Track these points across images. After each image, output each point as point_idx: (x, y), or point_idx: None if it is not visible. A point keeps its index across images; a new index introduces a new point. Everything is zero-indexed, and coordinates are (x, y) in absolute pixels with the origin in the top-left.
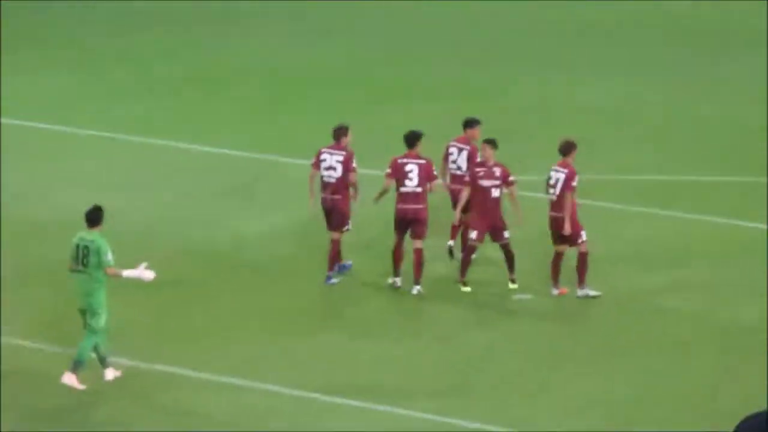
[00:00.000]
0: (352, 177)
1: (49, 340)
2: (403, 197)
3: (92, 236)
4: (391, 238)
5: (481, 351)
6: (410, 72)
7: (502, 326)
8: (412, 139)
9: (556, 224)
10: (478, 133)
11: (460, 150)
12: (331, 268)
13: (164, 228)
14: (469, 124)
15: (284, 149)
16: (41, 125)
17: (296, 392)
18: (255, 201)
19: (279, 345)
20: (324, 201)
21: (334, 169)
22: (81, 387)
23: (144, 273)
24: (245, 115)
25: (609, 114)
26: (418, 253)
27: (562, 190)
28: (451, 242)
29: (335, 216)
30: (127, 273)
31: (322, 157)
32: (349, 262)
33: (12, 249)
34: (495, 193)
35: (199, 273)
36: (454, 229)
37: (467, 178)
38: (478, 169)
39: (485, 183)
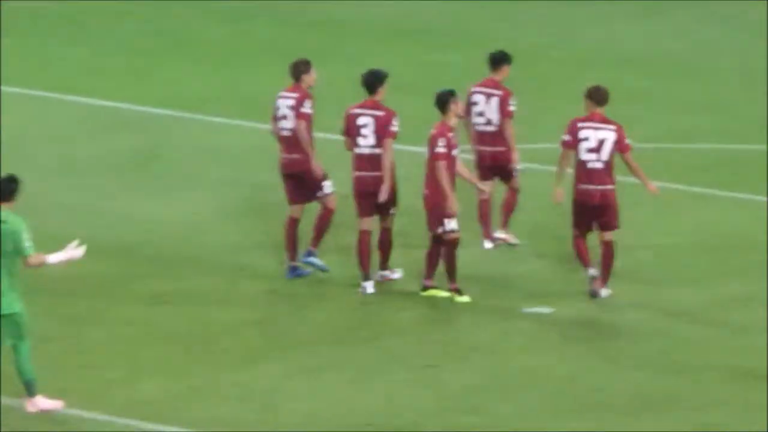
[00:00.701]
0: (301, 126)
1: None
2: (359, 161)
3: (3, 215)
4: None
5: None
6: None
7: None
8: (373, 82)
9: (598, 199)
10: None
11: (489, 96)
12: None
13: (42, 212)
14: (498, 60)
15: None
16: None
17: None
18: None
19: (200, 377)
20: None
21: (286, 118)
22: (57, 404)
23: (75, 252)
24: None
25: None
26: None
27: (612, 154)
28: (501, 235)
29: (303, 182)
30: (53, 258)
31: (276, 103)
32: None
33: None
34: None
35: (96, 276)
36: (486, 212)
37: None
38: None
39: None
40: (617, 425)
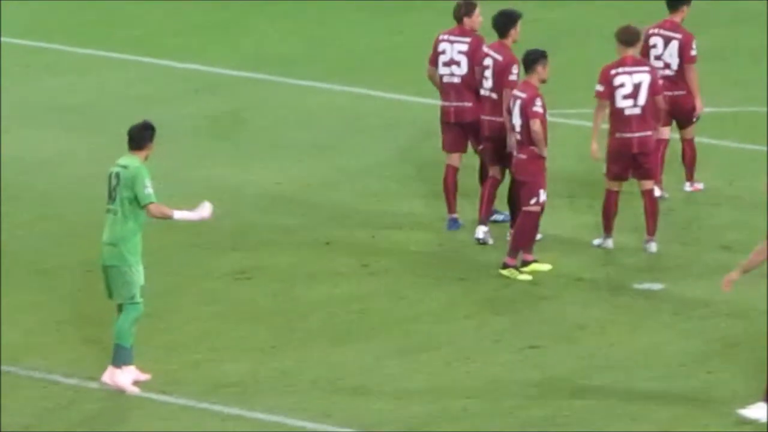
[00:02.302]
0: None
1: None
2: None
3: (128, 161)
4: None
5: None
6: None
7: None
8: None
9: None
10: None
11: (667, 40)
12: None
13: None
14: (677, 0)
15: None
16: None
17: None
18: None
19: (287, 359)
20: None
21: (458, 64)
22: (134, 389)
23: (204, 212)
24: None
25: None
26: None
27: (651, 95)
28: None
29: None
30: (181, 214)
31: (440, 47)
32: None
33: None
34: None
35: (175, 249)
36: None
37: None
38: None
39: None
40: (731, 412)
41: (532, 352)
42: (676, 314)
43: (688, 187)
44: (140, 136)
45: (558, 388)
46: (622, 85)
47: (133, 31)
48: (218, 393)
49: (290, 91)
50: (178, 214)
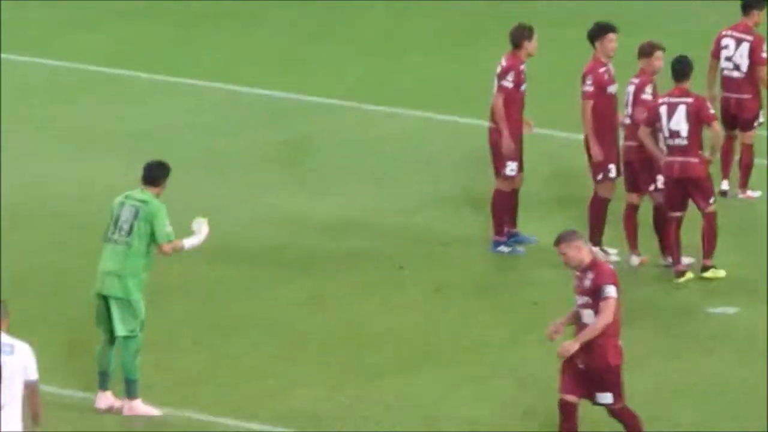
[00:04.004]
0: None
1: None
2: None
3: (146, 196)
4: None
5: None
6: None
7: None
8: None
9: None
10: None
11: (739, 42)
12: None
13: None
14: (749, 4)
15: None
16: None
17: None
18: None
19: (358, 386)
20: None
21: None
22: (155, 411)
23: (205, 230)
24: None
25: None
26: None
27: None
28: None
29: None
30: (190, 242)
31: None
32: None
33: None
34: None
35: (239, 278)
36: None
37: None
38: None
39: None
40: None
41: None
42: (750, 340)
43: (740, 194)
44: (157, 174)
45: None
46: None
47: (203, 57)
48: (291, 421)
49: (360, 117)
50: (188, 244)
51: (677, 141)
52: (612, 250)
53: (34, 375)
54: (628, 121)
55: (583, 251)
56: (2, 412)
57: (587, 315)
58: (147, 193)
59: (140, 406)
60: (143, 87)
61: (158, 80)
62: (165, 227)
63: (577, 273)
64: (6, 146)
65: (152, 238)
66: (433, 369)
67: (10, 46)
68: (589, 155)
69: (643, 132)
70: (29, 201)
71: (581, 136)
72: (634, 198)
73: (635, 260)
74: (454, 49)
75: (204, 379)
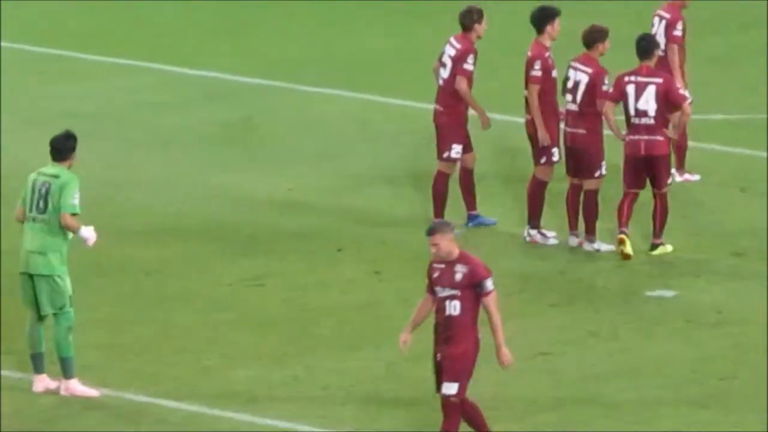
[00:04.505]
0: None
1: None
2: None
3: (56, 170)
4: None
5: None
6: None
7: None
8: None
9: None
10: None
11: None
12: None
13: (129, 186)
14: None
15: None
16: None
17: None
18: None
19: (299, 366)
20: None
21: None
22: (93, 392)
23: (91, 235)
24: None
25: None
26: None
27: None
28: None
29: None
30: (86, 231)
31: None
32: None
33: None
34: None
35: (186, 255)
36: None
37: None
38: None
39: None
40: (745, 417)
41: (543, 358)
42: (688, 321)
43: (678, 177)
44: (64, 147)
45: (569, 396)
46: (567, 79)
47: (144, 36)
48: (229, 399)
49: (301, 97)
50: (84, 231)
51: (644, 120)
52: (550, 233)
53: None
54: (573, 107)
55: (454, 244)
56: None
57: (452, 307)
58: (58, 167)
59: (77, 387)
60: (81, 66)
61: (98, 60)
62: (72, 198)
63: (442, 265)
64: None
65: (62, 208)
66: (372, 348)
67: None
68: (531, 138)
69: (609, 108)
70: None
71: (519, 119)
72: (575, 180)
73: (574, 241)
74: (397, 25)
75: (143, 357)
